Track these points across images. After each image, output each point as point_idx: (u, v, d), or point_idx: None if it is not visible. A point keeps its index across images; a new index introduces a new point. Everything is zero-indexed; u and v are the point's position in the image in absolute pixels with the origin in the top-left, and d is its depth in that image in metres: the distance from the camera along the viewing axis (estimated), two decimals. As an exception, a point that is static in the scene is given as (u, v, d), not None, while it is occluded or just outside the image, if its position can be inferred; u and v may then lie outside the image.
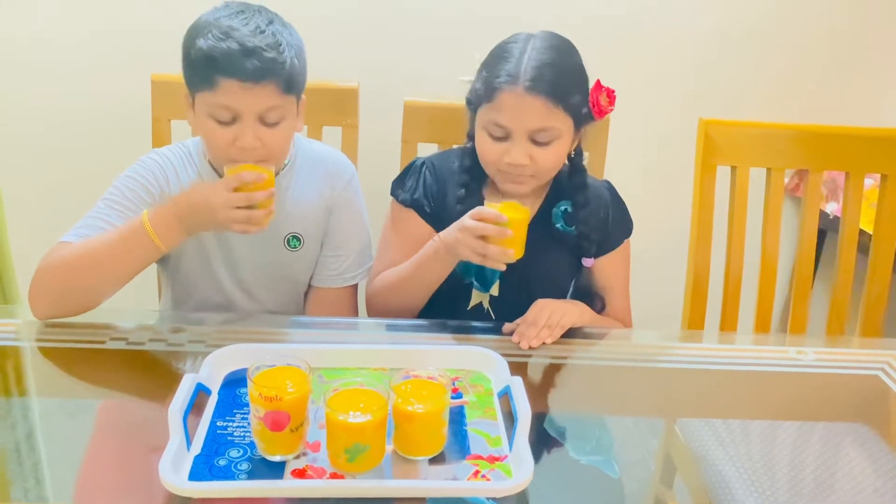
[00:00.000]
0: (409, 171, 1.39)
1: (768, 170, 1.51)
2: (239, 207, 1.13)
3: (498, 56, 1.26)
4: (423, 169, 1.37)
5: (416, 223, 1.35)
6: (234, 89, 1.15)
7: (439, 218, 1.32)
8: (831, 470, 0.96)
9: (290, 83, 1.19)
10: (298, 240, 1.35)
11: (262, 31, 1.16)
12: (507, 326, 1.25)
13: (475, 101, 1.28)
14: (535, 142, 1.23)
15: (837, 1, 1.98)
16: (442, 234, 1.24)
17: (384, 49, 1.91)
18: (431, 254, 1.25)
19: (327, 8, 1.88)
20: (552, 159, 1.26)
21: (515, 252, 1.17)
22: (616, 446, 0.98)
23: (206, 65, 1.15)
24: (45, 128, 1.96)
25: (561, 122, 1.23)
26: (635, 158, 1.98)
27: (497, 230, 1.15)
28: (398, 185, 1.38)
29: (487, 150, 1.26)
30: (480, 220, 1.16)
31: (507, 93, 1.21)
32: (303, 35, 1.24)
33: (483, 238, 1.16)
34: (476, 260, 1.18)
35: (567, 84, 1.22)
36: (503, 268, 1.20)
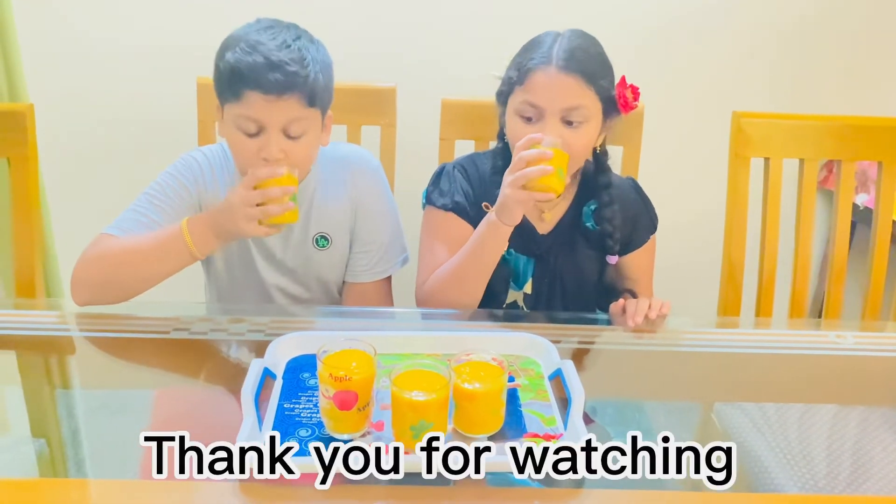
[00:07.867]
0: (442, 176, 1.39)
1: (801, 160, 1.52)
2: (258, 205, 1.15)
3: (528, 47, 1.29)
4: (456, 172, 1.38)
5: (458, 225, 1.36)
6: (258, 101, 1.18)
7: (478, 219, 1.33)
8: (869, 455, 0.96)
9: (314, 97, 1.21)
10: (326, 239, 1.38)
11: (289, 46, 1.19)
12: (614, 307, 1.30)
13: (507, 90, 1.29)
14: (566, 122, 1.25)
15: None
16: (494, 206, 1.24)
17: (419, 52, 1.95)
18: (487, 229, 1.24)
19: (364, 13, 1.93)
20: (581, 143, 1.27)
21: (556, 186, 1.17)
22: (654, 430, 0.99)
23: (232, 77, 1.18)
24: (102, 125, 2.02)
25: (591, 103, 1.25)
26: (670, 152, 1.99)
27: (538, 170, 1.15)
28: (434, 191, 1.38)
29: (520, 134, 1.24)
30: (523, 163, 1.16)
31: (541, 72, 1.24)
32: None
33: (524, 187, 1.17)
34: (527, 206, 1.20)
35: (596, 66, 1.26)
36: (551, 195, 1.19)
